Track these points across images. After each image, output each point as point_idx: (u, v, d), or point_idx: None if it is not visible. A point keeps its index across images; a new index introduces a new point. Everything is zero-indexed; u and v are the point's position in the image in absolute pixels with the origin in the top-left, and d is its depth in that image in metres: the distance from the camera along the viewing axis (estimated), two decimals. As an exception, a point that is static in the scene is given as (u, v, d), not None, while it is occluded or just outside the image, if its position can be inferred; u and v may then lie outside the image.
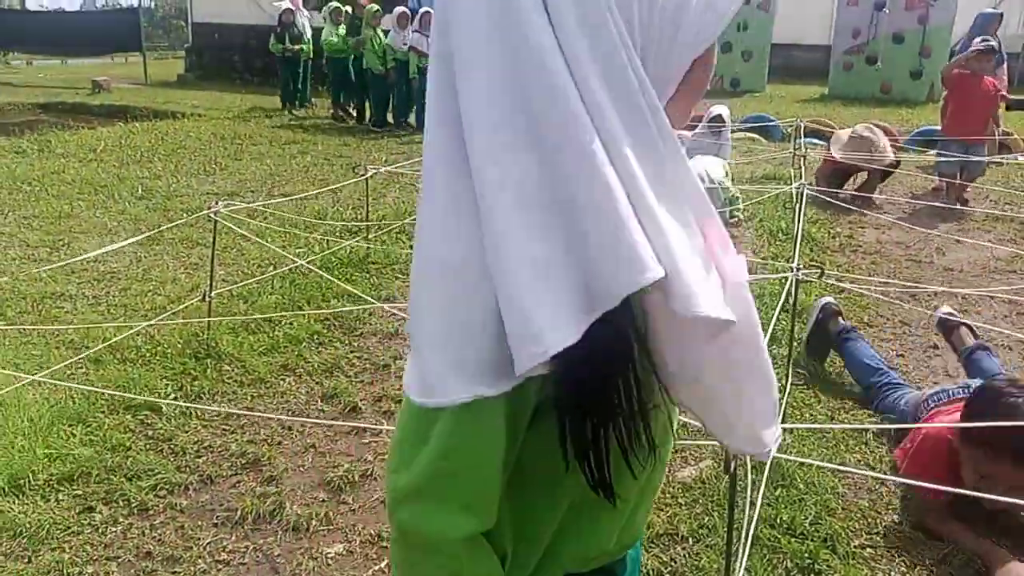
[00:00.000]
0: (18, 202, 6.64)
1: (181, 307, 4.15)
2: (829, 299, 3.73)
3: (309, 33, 12.67)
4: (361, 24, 11.46)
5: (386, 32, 11.49)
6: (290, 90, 12.81)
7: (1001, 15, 9.30)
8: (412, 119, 11.47)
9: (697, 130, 7.26)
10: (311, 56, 12.71)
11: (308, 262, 4.76)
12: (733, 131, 8.17)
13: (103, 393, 3.24)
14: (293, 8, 12.40)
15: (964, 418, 2.49)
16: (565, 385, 0.73)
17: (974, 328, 3.60)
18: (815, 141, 9.01)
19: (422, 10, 11.21)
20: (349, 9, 11.80)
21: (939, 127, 8.14)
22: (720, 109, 7.38)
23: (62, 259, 5.02)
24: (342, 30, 11.72)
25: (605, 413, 0.75)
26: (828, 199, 5.96)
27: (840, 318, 3.64)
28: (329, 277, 4.17)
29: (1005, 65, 9.18)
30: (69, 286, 4.68)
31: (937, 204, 6.56)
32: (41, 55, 27.83)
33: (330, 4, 11.85)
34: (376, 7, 11.41)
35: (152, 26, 22.55)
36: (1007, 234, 5.95)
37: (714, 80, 9.96)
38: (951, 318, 3.61)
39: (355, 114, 12.26)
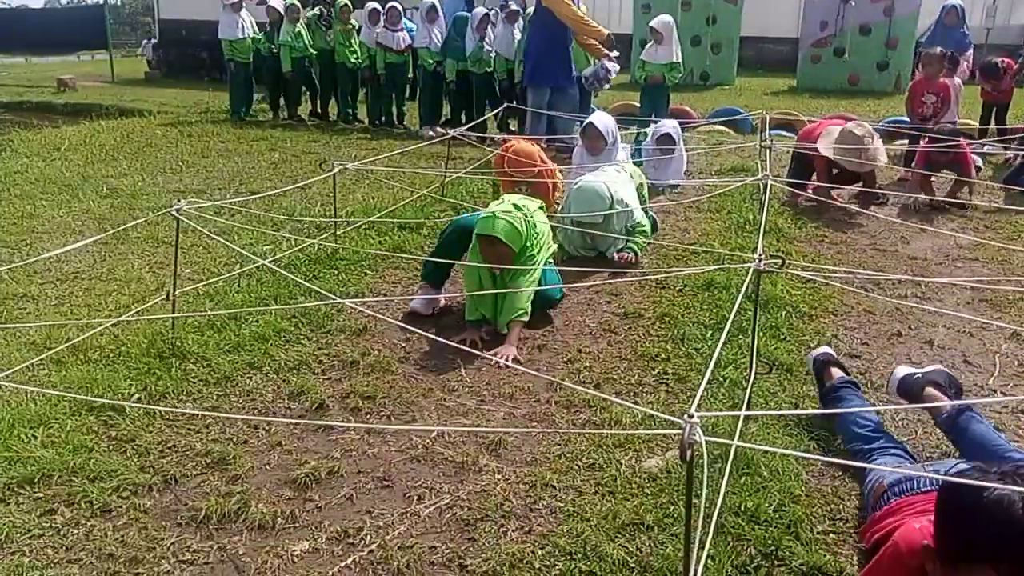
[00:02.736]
0: (-21, 203, 6.54)
1: (146, 306, 4.10)
2: (822, 351, 3.36)
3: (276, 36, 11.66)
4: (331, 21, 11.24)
5: (359, 29, 11.30)
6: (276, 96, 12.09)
7: (956, 7, 9.55)
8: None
9: (648, 147, 7.00)
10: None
11: (276, 259, 4.73)
12: (699, 127, 8.16)
13: (65, 395, 3.19)
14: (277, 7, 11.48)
15: (937, 531, 1.88)
16: None
17: (943, 385, 2.99)
18: (783, 133, 9.12)
19: (388, 4, 10.97)
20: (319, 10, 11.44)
21: (906, 118, 8.26)
22: (668, 127, 6.98)
23: (24, 259, 4.95)
24: (299, 28, 11.27)
25: None
26: (796, 191, 6.02)
27: (836, 369, 3.22)
28: (291, 276, 4.11)
29: (971, 51, 9.43)
30: (31, 287, 4.61)
31: (902, 194, 6.66)
32: (5, 53, 27.42)
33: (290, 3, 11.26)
34: (345, 1, 11.11)
35: (118, 23, 22.24)
36: (970, 223, 6.04)
37: (685, 74, 9.75)
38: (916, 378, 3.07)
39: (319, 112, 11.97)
